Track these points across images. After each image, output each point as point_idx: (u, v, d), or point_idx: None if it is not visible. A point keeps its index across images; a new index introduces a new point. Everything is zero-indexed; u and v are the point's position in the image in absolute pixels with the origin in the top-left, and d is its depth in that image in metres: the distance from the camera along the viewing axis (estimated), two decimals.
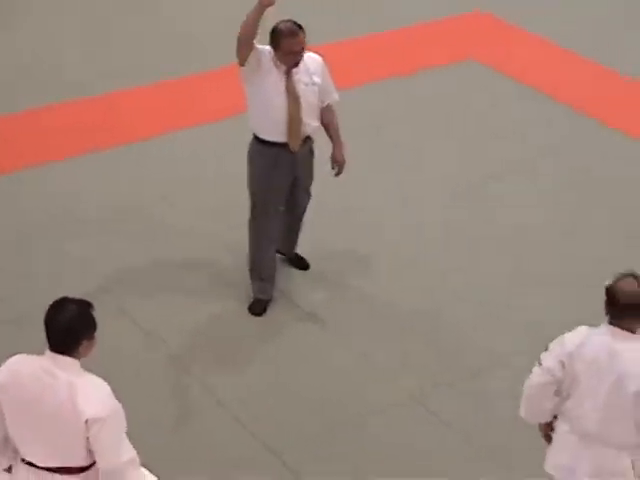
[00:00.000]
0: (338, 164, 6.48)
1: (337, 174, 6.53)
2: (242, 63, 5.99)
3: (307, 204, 6.63)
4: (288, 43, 5.97)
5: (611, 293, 4.23)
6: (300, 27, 6.00)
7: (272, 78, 6.08)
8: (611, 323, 4.28)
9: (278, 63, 6.06)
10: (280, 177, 6.29)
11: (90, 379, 4.29)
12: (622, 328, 4.26)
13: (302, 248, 6.94)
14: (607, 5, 10.70)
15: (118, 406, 4.25)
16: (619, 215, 7.54)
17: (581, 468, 4.40)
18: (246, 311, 6.54)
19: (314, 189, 6.68)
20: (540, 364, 4.38)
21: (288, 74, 6.09)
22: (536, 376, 4.42)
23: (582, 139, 8.46)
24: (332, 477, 5.46)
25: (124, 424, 4.25)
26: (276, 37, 6.01)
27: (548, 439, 4.63)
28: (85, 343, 4.24)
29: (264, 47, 6.05)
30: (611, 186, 7.85)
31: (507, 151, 8.39)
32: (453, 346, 6.38)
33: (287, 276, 6.89)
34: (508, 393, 5.54)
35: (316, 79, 6.20)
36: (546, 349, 4.42)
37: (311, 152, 6.43)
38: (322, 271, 6.97)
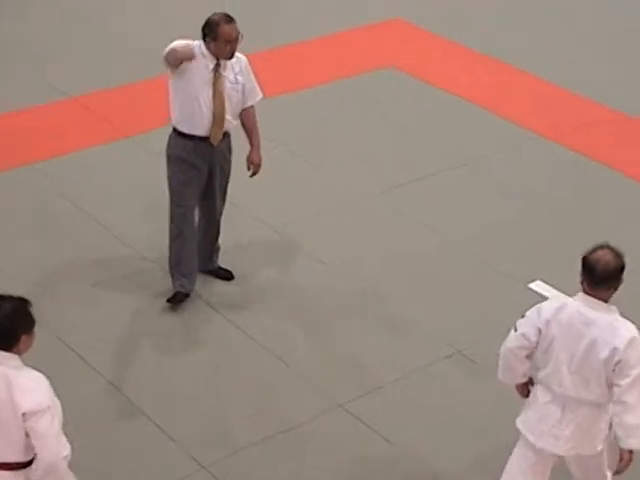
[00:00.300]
0: (254, 165, 6.63)
1: (253, 175, 6.68)
2: (176, 63, 6.16)
3: (223, 209, 6.71)
4: (227, 30, 6.11)
5: (589, 264, 4.45)
6: (232, 19, 6.20)
7: (200, 73, 6.22)
8: (586, 292, 4.49)
9: (208, 58, 6.18)
10: (197, 170, 6.43)
11: (28, 373, 4.40)
12: (596, 297, 4.49)
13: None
14: (525, 14, 10.99)
15: (55, 400, 4.33)
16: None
17: (564, 433, 4.63)
18: (164, 312, 6.53)
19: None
20: (516, 330, 4.61)
21: (216, 70, 6.22)
22: (512, 341, 4.65)
23: (501, 143, 8.57)
24: None
25: (60, 418, 4.34)
26: (213, 26, 6.14)
27: (525, 396, 4.89)
28: (24, 338, 4.37)
29: (194, 43, 6.15)
30: (527, 186, 7.91)
31: (427, 159, 8.44)
32: (376, 350, 6.37)
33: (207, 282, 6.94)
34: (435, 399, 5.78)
35: (240, 78, 6.33)
36: (522, 316, 4.64)
37: (229, 148, 6.54)
38: (243, 276, 7.00)
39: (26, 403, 4.33)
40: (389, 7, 11.05)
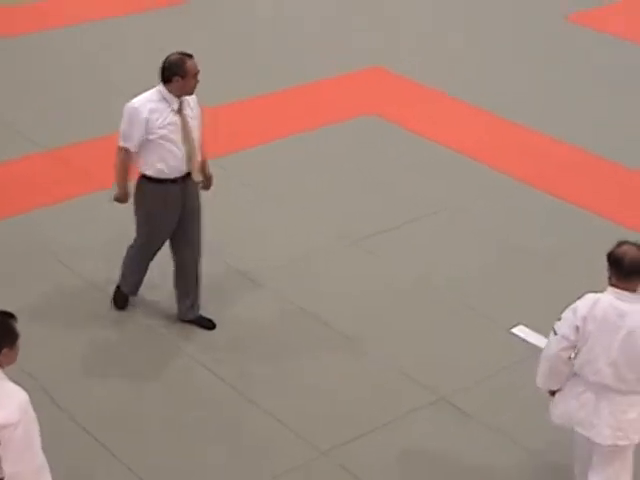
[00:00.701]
0: (207, 179, 6.90)
1: (206, 188, 6.93)
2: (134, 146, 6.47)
3: (200, 255, 6.79)
4: (192, 64, 6.36)
5: (616, 258, 4.74)
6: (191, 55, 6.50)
7: (166, 121, 6.44)
8: (616, 286, 4.76)
9: (170, 100, 6.37)
10: (170, 212, 6.62)
11: (6, 386, 4.42)
12: (626, 289, 4.75)
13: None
14: (508, 61, 11.15)
15: (32, 415, 4.36)
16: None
17: (601, 419, 4.86)
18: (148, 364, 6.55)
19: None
20: (556, 333, 4.84)
21: (180, 110, 6.42)
22: (554, 345, 4.87)
23: (483, 190, 8.59)
24: None
25: (37, 433, 4.38)
26: (180, 64, 6.35)
27: (553, 395, 5.12)
28: (5, 351, 4.42)
29: (145, 101, 6.36)
30: (508, 232, 7.89)
31: (408, 205, 8.48)
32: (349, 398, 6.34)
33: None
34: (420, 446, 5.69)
35: (196, 112, 6.64)
36: (558, 319, 4.87)
37: (197, 183, 6.77)
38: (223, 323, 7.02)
39: None
40: (372, 55, 11.23)
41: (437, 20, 12.47)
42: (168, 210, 6.63)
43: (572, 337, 4.78)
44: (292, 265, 7.56)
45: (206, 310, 6.90)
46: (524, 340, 6.66)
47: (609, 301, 4.74)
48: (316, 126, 9.66)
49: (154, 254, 6.86)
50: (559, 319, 4.86)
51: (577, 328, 4.77)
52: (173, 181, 6.56)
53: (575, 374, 4.90)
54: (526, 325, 6.81)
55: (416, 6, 12.87)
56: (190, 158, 6.57)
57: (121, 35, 11.02)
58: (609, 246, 5.10)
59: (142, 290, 6.95)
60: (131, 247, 6.85)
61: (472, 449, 5.87)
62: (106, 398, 6.25)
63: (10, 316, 4.53)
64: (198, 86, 6.58)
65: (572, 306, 4.85)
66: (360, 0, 12.89)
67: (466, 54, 11.30)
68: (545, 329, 6.57)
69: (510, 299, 7.15)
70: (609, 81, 10.68)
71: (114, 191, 6.69)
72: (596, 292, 4.91)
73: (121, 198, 6.63)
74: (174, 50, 6.52)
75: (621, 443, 4.87)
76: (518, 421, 6.06)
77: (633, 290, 4.75)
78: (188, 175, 6.60)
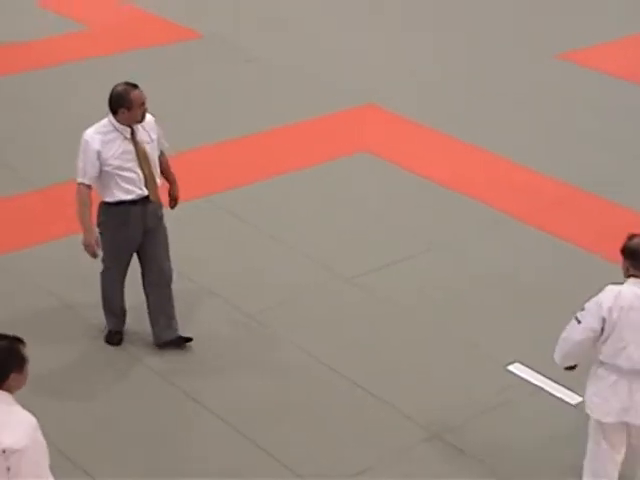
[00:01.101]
0: (175, 200, 7.19)
1: (172, 207, 7.20)
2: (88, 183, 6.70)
3: (171, 276, 6.95)
4: (137, 94, 6.61)
5: (632, 250, 5.11)
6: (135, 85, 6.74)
7: (119, 150, 6.67)
8: (635, 276, 5.13)
9: (121, 129, 6.61)
10: (132, 231, 6.82)
11: (16, 411, 4.49)
12: None
13: None
14: (496, 100, 11.24)
15: (41, 440, 4.42)
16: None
17: (635, 403, 5.19)
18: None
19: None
20: (579, 322, 5.14)
21: (133, 137, 6.66)
22: (577, 334, 5.17)
23: (476, 225, 8.62)
24: None
25: (46, 459, 4.43)
26: (124, 96, 6.59)
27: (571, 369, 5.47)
28: (13, 376, 4.49)
29: (94, 133, 6.60)
30: (502, 268, 7.89)
31: (400, 242, 8.49)
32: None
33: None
34: None
35: (153, 136, 6.85)
36: (582, 309, 5.17)
37: (159, 211, 6.97)
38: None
39: (7, 440, 4.43)
40: (363, 93, 11.31)
41: (432, 59, 12.60)
42: (130, 230, 6.83)
43: (598, 327, 5.06)
44: (288, 303, 7.61)
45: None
46: (521, 378, 6.65)
47: (632, 291, 5.07)
48: (311, 163, 9.78)
49: (124, 275, 7.06)
50: (582, 309, 5.15)
51: (603, 320, 5.05)
52: (133, 202, 6.77)
53: (604, 363, 5.17)
54: (522, 362, 6.79)
55: (412, 44, 13.01)
56: (148, 182, 6.80)
57: (116, 73, 10.99)
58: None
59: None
60: (101, 273, 7.06)
61: None
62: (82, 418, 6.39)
63: (19, 341, 4.61)
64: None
65: (594, 299, 5.13)
66: (354, 38, 13.01)
67: (458, 91, 11.43)
68: (541, 366, 6.61)
69: (506, 335, 7.13)
70: (596, 116, 10.77)
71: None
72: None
73: (89, 242, 6.75)
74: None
75: None
76: (512, 461, 6.04)
77: None
78: (148, 197, 6.84)
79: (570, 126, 10.48)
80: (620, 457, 5.35)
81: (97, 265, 7.11)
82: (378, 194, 9.21)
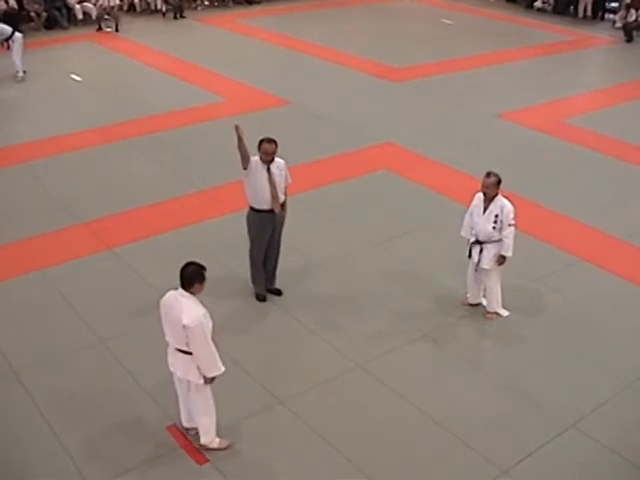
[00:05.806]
0: (284, 208, 8.64)
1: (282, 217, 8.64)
2: (245, 168, 8.37)
3: (279, 250, 8.79)
4: (265, 147, 8.35)
5: None
6: (273, 140, 8.37)
7: (259, 173, 8.38)
8: None
9: (262, 163, 8.29)
10: (266, 229, 8.62)
11: (193, 302, 5.60)
12: None
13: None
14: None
15: (207, 323, 5.53)
16: None
17: None
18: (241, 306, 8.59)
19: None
20: None
21: (269, 169, 8.37)
22: None
23: None
24: None
25: (209, 334, 5.51)
26: (259, 144, 8.37)
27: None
28: (197, 285, 5.63)
29: (255, 157, 8.32)
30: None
31: (399, 224, 10.33)
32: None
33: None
34: None
35: (282, 172, 8.53)
36: None
37: (283, 216, 8.63)
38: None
39: (184, 319, 5.55)
40: (383, 135, 13.42)
41: (427, 114, 14.71)
42: (265, 228, 8.54)
43: None
44: (337, 258, 9.43)
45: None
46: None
47: None
48: (352, 177, 11.93)
49: (261, 256, 8.61)
50: None
51: None
52: (266, 211, 8.38)
53: None
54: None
55: (414, 104, 15.19)
56: (274, 199, 8.41)
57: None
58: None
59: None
60: (250, 250, 8.68)
61: None
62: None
63: (202, 267, 5.76)
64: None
65: None
66: (379, 100, 15.21)
67: (441, 135, 13.48)
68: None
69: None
70: (526, 161, 12.49)
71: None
72: None
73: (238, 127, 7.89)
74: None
75: None
76: None
77: None
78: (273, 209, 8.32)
79: (506, 165, 11.13)
80: None
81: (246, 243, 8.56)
82: (394, 196, 11.26)
